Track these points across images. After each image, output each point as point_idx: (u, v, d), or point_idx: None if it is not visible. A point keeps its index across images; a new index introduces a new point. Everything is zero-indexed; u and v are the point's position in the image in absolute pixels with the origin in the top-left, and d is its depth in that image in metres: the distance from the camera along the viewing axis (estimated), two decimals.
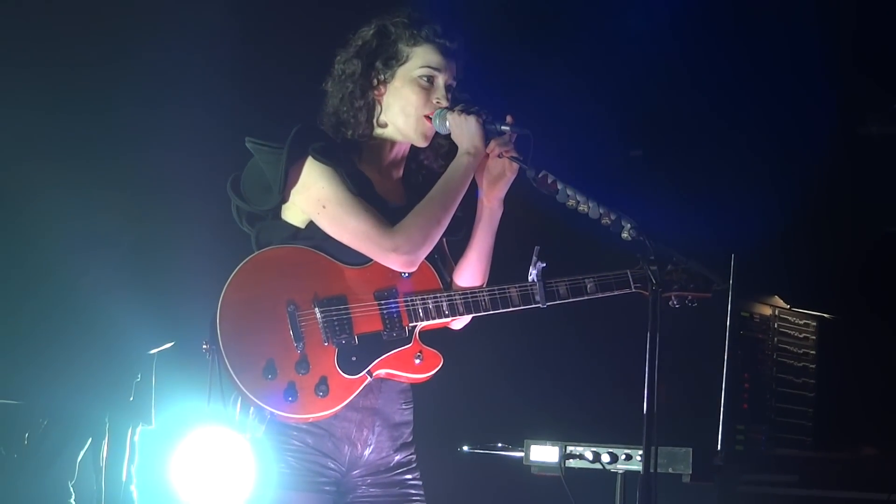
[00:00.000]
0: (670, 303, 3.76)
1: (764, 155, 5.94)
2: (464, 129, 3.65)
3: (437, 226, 3.61)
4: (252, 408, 3.47)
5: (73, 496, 5.05)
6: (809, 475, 4.83)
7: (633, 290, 3.71)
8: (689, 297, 3.77)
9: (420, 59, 3.67)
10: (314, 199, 3.56)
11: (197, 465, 5.06)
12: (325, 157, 3.56)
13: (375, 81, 3.70)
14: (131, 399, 5.14)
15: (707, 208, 5.65)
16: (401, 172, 3.81)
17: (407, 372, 3.60)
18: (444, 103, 3.68)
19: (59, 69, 5.21)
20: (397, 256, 3.55)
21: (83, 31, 5.23)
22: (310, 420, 3.52)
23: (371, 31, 3.71)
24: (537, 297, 3.67)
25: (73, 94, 5.25)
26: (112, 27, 5.26)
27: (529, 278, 3.67)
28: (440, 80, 3.69)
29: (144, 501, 5.17)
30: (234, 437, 4.90)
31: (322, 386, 3.48)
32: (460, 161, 3.66)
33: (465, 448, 5.05)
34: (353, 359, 3.52)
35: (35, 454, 5.00)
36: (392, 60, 3.68)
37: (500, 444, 4.94)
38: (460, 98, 3.72)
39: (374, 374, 3.56)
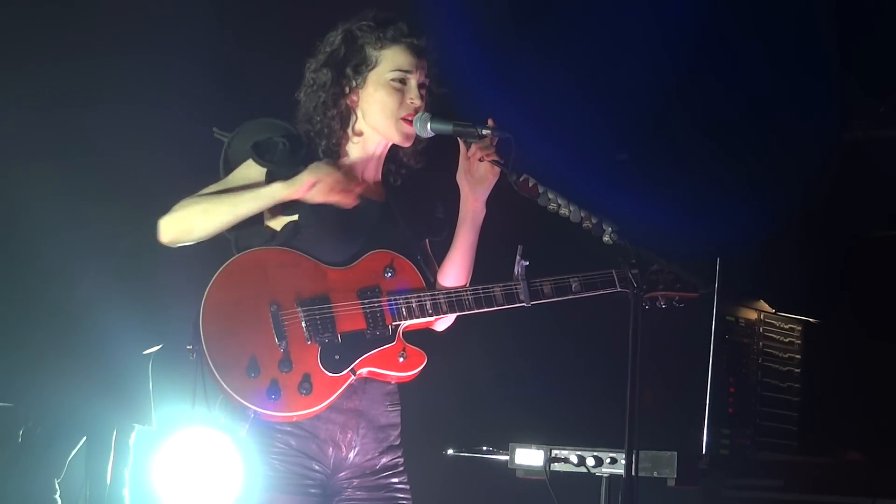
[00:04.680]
0: (657, 303, 3.75)
1: (750, 159, 5.96)
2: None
3: (210, 215, 3.57)
4: (236, 408, 3.47)
5: (59, 492, 5.05)
6: (794, 480, 4.82)
7: (619, 290, 3.68)
8: (676, 298, 3.76)
9: (390, 63, 3.67)
10: None
11: (183, 467, 5.06)
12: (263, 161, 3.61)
13: (347, 89, 3.69)
14: (126, 400, 5.14)
15: (693, 212, 5.66)
16: (380, 174, 3.81)
17: (391, 370, 3.60)
18: (419, 103, 3.67)
19: (55, 74, 5.21)
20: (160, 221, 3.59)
21: (78, 36, 5.23)
22: (294, 419, 3.52)
23: (338, 38, 3.71)
24: (521, 297, 3.66)
25: (70, 100, 5.24)
26: (110, 33, 5.26)
27: (513, 277, 3.67)
28: (412, 80, 3.68)
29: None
30: (220, 440, 4.90)
31: (305, 384, 3.48)
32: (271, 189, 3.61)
33: (450, 451, 5.05)
34: (336, 357, 3.52)
35: (22, 452, 5.01)
36: (362, 66, 3.67)
37: (484, 448, 4.94)
38: (437, 92, 3.72)
39: (357, 373, 3.56)
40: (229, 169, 3.66)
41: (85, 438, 5.14)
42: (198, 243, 3.64)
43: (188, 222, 3.55)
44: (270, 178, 3.57)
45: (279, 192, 3.53)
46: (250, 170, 3.61)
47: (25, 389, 5.01)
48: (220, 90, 5.38)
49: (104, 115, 5.30)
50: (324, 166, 3.54)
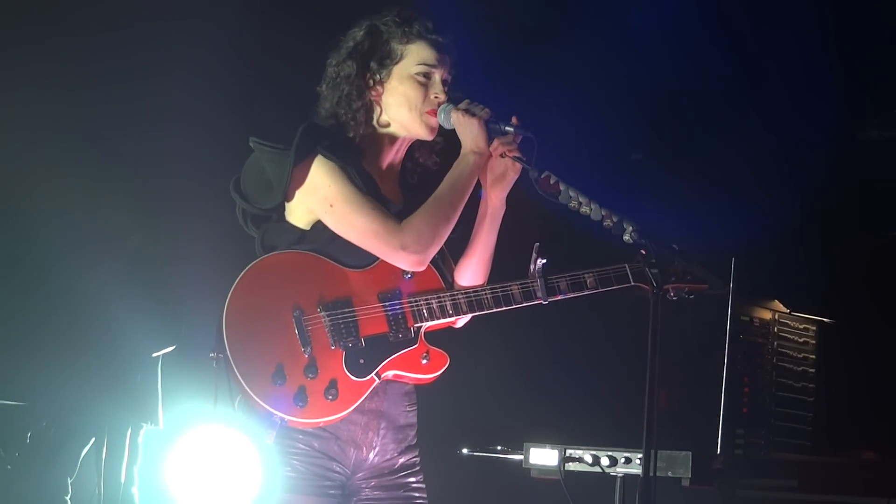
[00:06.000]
0: (668, 295, 3.71)
1: (764, 159, 5.96)
2: (467, 129, 3.65)
3: (446, 224, 3.61)
4: (261, 414, 3.46)
5: (70, 494, 5.05)
6: (809, 480, 4.81)
7: (633, 284, 3.69)
8: (686, 290, 3.74)
9: (415, 57, 3.67)
10: (321, 197, 3.56)
11: (200, 467, 5.05)
12: (333, 155, 3.57)
13: (371, 82, 3.69)
14: (133, 400, 5.14)
15: (707, 212, 5.65)
16: (398, 172, 3.81)
17: (414, 373, 3.61)
18: (443, 97, 3.68)
19: (68, 58, 5.17)
20: (407, 255, 3.55)
21: (96, 22, 5.21)
22: (320, 424, 3.52)
23: (362, 32, 3.71)
24: (538, 294, 3.67)
25: (84, 85, 5.22)
26: (127, 19, 5.24)
27: (529, 274, 3.67)
28: (437, 75, 3.69)
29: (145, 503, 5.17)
30: (238, 440, 4.90)
31: (332, 389, 3.48)
32: (466, 160, 3.66)
33: (465, 450, 5.05)
34: (361, 361, 3.52)
35: (35, 452, 5.01)
36: (387, 60, 3.68)
37: (499, 447, 4.94)
38: (454, 96, 3.71)
39: (381, 376, 3.56)
40: (290, 186, 3.57)
41: (94, 439, 5.14)
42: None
43: (441, 237, 3.60)
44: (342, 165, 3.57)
45: (478, 162, 3.64)
46: (329, 175, 3.57)
47: (39, 388, 5.00)
48: (247, 85, 5.37)
49: (119, 96, 5.26)
50: (455, 117, 3.64)
